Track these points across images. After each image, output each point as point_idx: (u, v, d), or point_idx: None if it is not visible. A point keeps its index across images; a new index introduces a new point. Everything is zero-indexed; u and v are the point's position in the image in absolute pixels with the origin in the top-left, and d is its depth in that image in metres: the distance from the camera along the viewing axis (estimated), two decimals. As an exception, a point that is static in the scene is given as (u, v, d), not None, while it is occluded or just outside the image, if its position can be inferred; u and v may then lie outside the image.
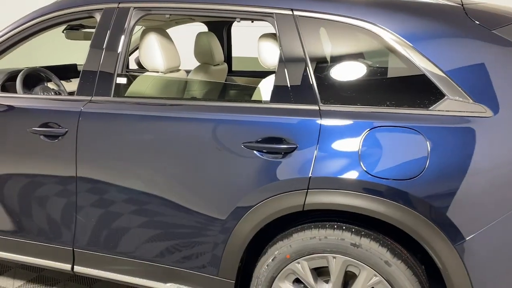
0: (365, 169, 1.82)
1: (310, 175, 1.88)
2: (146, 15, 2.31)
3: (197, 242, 2.14)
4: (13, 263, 3.10)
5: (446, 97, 1.81)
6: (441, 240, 1.77)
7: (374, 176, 1.81)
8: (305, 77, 1.99)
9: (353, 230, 1.92)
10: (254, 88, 2.39)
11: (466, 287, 1.78)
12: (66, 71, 3.16)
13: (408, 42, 1.86)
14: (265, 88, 2.22)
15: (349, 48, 2.04)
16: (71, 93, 3.24)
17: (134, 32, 3.69)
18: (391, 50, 1.90)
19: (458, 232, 1.76)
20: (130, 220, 2.24)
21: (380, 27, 1.91)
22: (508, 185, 1.73)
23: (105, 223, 2.30)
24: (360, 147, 1.84)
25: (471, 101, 1.77)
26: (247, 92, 2.52)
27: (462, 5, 1.95)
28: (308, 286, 2.02)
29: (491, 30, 1.84)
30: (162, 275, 2.26)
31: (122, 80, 2.29)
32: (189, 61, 4.22)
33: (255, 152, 1.97)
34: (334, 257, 1.93)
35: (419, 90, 1.87)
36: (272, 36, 2.35)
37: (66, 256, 2.41)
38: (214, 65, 3.26)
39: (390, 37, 1.89)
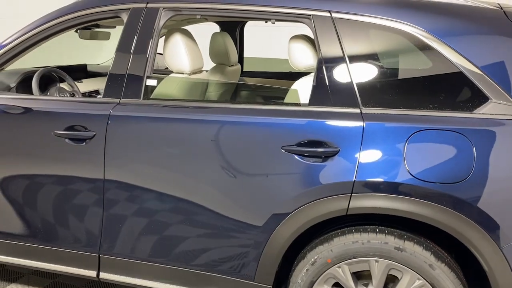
0: (411, 173, 1.82)
1: (354, 179, 1.87)
2: (175, 16, 2.26)
3: (233, 247, 2.11)
4: (26, 270, 3.01)
5: (490, 100, 1.82)
6: (487, 242, 1.78)
7: (420, 179, 1.81)
8: (345, 79, 1.97)
9: (396, 233, 1.92)
10: (283, 89, 2.36)
11: None
12: (75, 72, 3.08)
13: (451, 46, 1.87)
14: (300, 91, 2.19)
15: (388, 50, 2.03)
16: (84, 94, 3.17)
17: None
18: (433, 53, 1.90)
19: (504, 234, 1.77)
20: (160, 225, 2.19)
21: (421, 30, 1.91)
22: None
23: (134, 228, 2.24)
24: (405, 151, 1.83)
25: None
26: (276, 94, 2.49)
27: (501, 8, 1.96)
28: (348, 290, 2.01)
29: None
30: (193, 280, 2.22)
31: (152, 82, 2.24)
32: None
33: (295, 156, 1.95)
34: (376, 261, 1.92)
35: (462, 93, 1.87)
36: (304, 37, 2.33)
37: (91, 262, 2.35)
38: (229, 66, 3.23)
39: (432, 40, 1.89)
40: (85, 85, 3.18)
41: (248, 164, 2.02)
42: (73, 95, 2.96)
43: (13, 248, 2.44)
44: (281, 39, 5.24)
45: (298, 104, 2.13)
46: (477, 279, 1.97)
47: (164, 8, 2.24)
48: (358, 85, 1.95)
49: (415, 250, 1.88)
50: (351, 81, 1.96)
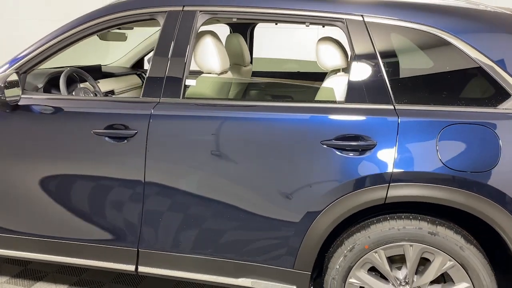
0: (443, 163, 1.99)
1: (392, 170, 2.03)
2: (211, 19, 2.37)
3: (273, 237, 2.23)
4: (50, 268, 3.04)
5: (511, 96, 2.02)
6: None
7: (453, 169, 1.99)
8: (379, 78, 2.13)
9: (428, 219, 2.09)
10: (313, 88, 2.50)
11: None
12: (91, 72, 3.13)
13: (475, 47, 2.05)
14: (333, 89, 2.34)
15: (417, 51, 2.20)
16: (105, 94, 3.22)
17: (153, 33, 3.72)
18: (459, 54, 2.08)
19: None
20: (200, 219, 2.30)
21: (447, 33, 2.09)
22: None
23: (173, 222, 2.33)
24: (438, 143, 2.01)
25: None
26: (306, 92, 2.63)
27: None
28: (383, 274, 2.17)
29: None
30: (233, 270, 2.33)
31: (191, 82, 2.34)
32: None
33: (334, 150, 2.10)
34: (411, 245, 2.09)
35: (486, 90, 2.06)
36: (331, 39, 2.48)
37: (130, 257, 2.42)
38: (244, 66, 3.35)
39: (459, 43, 2.07)
40: (101, 86, 3.23)
41: (289, 159, 2.15)
42: (96, 95, 3.01)
43: (51, 246, 2.49)
44: (281, 40, 5.39)
45: (334, 102, 2.27)
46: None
47: (200, 11, 2.34)
48: (391, 83, 2.12)
49: (447, 234, 2.05)
50: (384, 79, 2.12)
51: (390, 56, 2.17)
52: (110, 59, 3.93)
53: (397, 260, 2.19)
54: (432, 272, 2.10)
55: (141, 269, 2.44)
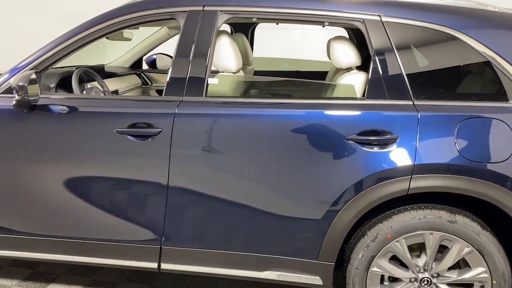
0: (462, 155, 2.11)
1: (414, 162, 2.14)
2: (231, 18, 2.42)
3: (298, 230, 2.30)
4: (60, 270, 3.02)
5: None
6: None
7: (470, 160, 2.11)
8: (398, 76, 2.23)
9: (447, 209, 2.21)
10: (328, 85, 2.59)
11: None
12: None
13: (489, 47, 2.18)
14: (353, 85, 2.43)
15: (432, 49, 2.32)
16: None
17: (152, 33, 3.74)
18: (472, 53, 2.20)
19: None
20: (225, 214, 2.35)
21: (461, 32, 2.21)
22: None
23: (198, 218, 2.38)
24: (456, 136, 2.13)
25: None
26: (321, 89, 2.70)
27: None
28: (403, 261, 2.27)
29: None
30: (257, 264, 2.39)
31: (213, 81, 2.39)
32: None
33: (357, 144, 2.19)
34: (431, 234, 2.20)
35: (499, 87, 2.19)
36: (345, 38, 2.58)
37: (152, 254, 2.45)
38: (248, 65, 3.41)
39: (471, 41, 2.20)
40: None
41: (314, 154, 2.23)
42: (105, 95, 3.01)
43: (70, 246, 2.49)
44: (278, 40, 5.47)
45: (355, 98, 2.36)
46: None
47: (221, 11, 2.39)
48: (409, 80, 2.23)
49: (464, 221, 2.18)
50: (403, 76, 2.23)
51: (406, 54, 2.27)
52: (107, 59, 3.91)
53: (414, 249, 2.31)
54: (451, 258, 2.22)
55: (164, 266, 2.46)
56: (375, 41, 2.27)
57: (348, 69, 2.62)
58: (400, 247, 2.25)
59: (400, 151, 2.16)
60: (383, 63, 2.25)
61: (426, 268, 2.27)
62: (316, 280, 2.35)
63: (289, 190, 2.27)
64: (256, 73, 3.81)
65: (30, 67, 2.47)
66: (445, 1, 2.42)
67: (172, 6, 2.44)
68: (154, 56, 4.06)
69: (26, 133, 2.43)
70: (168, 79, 2.39)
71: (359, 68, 2.62)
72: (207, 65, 2.36)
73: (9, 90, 2.47)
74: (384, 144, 2.18)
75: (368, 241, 2.26)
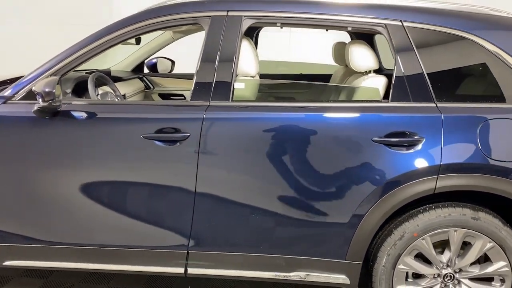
0: (485, 154, 2.21)
1: (440, 162, 2.22)
2: (255, 23, 2.45)
3: (326, 231, 2.35)
4: (75, 278, 2.97)
5: None
6: None
7: (494, 159, 2.21)
8: (421, 79, 2.31)
9: (469, 206, 2.30)
10: (354, 88, 2.64)
11: None
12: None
13: (506, 51, 2.29)
14: (378, 89, 2.51)
15: (452, 53, 2.39)
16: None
17: (155, 37, 3.73)
18: (491, 57, 2.30)
19: None
20: (252, 217, 2.36)
21: (480, 37, 2.31)
22: None
23: (225, 222, 2.39)
24: (478, 136, 2.22)
25: None
26: (348, 92, 2.75)
27: None
28: (428, 258, 2.35)
29: None
30: (285, 265, 2.42)
31: (239, 85, 2.41)
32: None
33: (384, 146, 2.25)
34: (455, 230, 2.29)
35: (515, 88, 2.30)
36: (362, 42, 2.64)
37: (179, 259, 2.44)
38: (256, 69, 3.43)
39: (490, 47, 2.30)
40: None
41: (342, 156, 2.29)
42: (118, 99, 2.98)
43: (92, 253, 2.46)
44: (274, 44, 5.51)
45: (380, 101, 2.43)
46: None
47: (245, 16, 2.41)
48: (431, 83, 2.31)
49: (487, 218, 2.28)
50: (425, 79, 2.31)
51: (427, 57, 2.34)
52: (109, 62, 3.86)
53: (437, 246, 2.39)
54: (474, 253, 2.32)
55: (191, 270, 2.46)
56: (397, 45, 2.34)
57: (366, 73, 2.69)
58: (426, 245, 2.33)
59: (426, 151, 2.24)
60: (406, 66, 2.32)
61: (449, 264, 2.36)
62: (344, 279, 2.40)
63: (318, 192, 2.31)
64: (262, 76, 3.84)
65: (50, 72, 2.43)
66: (462, 7, 2.52)
67: (196, 11, 2.45)
68: (155, 60, 4.04)
69: (49, 140, 2.39)
70: (194, 84, 2.40)
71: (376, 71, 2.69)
72: (233, 70, 2.38)
73: (28, 96, 2.43)
74: (410, 145, 2.25)
75: (395, 240, 2.33)
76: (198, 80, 2.39)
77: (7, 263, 2.51)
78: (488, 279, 2.38)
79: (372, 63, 2.61)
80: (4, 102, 2.43)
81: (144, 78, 3.92)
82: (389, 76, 2.56)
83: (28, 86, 2.44)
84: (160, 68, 4.05)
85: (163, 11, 2.46)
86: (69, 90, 2.65)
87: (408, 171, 2.24)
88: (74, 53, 2.44)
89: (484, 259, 2.39)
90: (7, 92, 2.47)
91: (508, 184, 2.21)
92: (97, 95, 2.81)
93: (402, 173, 2.25)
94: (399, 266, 2.36)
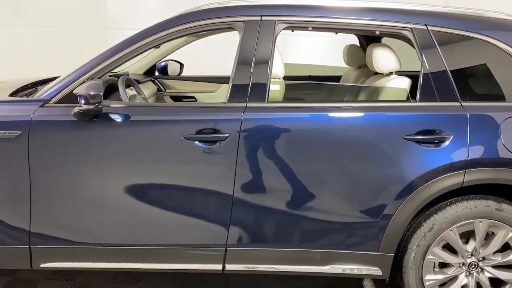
0: (508, 149, 2.37)
1: (467, 157, 2.37)
2: (288, 27, 2.55)
3: (360, 225, 2.47)
4: (103, 279, 3.00)
5: None
6: None
7: (517, 154, 2.38)
8: (446, 79, 2.46)
9: (493, 198, 2.46)
10: (383, 88, 2.78)
11: None
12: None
13: (523, 52, 2.46)
14: (406, 89, 2.65)
15: (473, 56, 2.55)
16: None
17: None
18: (510, 59, 2.47)
19: None
20: (289, 213, 2.46)
21: (499, 40, 2.48)
22: None
23: (263, 218, 2.48)
24: (501, 132, 2.38)
25: None
26: (377, 92, 2.87)
27: None
28: (455, 248, 2.50)
29: None
30: (320, 259, 2.53)
31: (275, 87, 2.51)
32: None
33: (415, 143, 2.39)
34: (480, 221, 2.45)
35: (533, 87, 2.48)
36: (385, 45, 2.78)
37: (217, 256, 2.52)
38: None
39: (509, 49, 2.47)
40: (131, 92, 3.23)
41: (376, 154, 2.41)
42: (145, 101, 3.03)
43: (135, 253, 2.51)
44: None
45: (409, 100, 2.56)
46: None
47: (278, 21, 2.51)
48: (456, 84, 2.46)
49: (509, 209, 2.44)
50: (450, 80, 2.46)
51: (451, 59, 2.49)
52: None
53: (462, 236, 2.54)
54: (497, 243, 2.48)
55: (229, 267, 2.54)
56: (423, 48, 2.49)
57: (388, 74, 2.82)
58: (453, 235, 2.48)
59: (454, 148, 2.39)
60: (432, 68, 2.47)
61: (473, 253, 2.51)
62: (376, 270, 2.52)
63: (353, 189, 2.43)
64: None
65: (88, 76, 2.47)
66: (480, 12, 2.68)
67: (230, 16, 2.53)
68: (165, 63, 4.08)
69: (90, 142, 2.43)
70: (230, 86, 2.48)
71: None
72: (268, 72, 2.48)
73: (65, 99, 2.46)
74: (439, 142, 2.39)
75: (425, 232, 2.47)
76: (235, 83, 2.48)
77: (44, 265, 2.54)
78: (509, 266, 2.55)
79: (396, 65, 2.75)
80: (42, 106, 2.45)
81: (156, 81, 3.97)
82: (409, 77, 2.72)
83: (66, 89, 2.47)
84: (169, 71, 4.10)
85: (201, 15, 2.53)
86: (101, 93, 2.69)
87: (438, 167, 2.38)
88: (110, 57, 2.49)
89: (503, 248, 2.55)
90: (43, 95, 2.50)
91: (531, 176, 2.39)
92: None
93: (433, 168, 2.39)
94: (428, 257, 2.50)
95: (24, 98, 2.58)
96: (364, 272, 2.54)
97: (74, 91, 2.37)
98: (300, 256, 2.53)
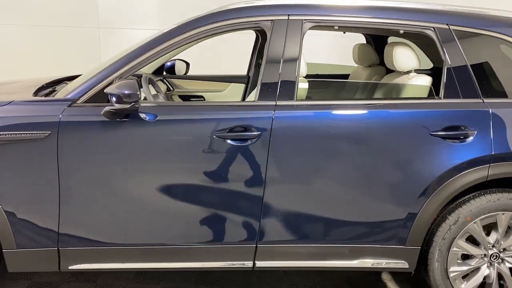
0: (530, 144, 2.47)
1: (492, 152, 2.46)
2: (314, 26, 2.59)
3: (388, 220, 2.53)
4: (123, 280, 2.97)
5: None
6: None
7: (538, 148, 2.48)
8: (468, 77, 2.54)
9: (514, 192, 2.57)
10: (406, 85, 2.84)
11: None
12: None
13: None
14: (430, 86, 2.74)
15: (495, 55, 2.64)
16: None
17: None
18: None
19: None
20: (319, 209, 2.51)
21: (514, 38, 2.58)
22: None
23: (293, 215, 2.51)
24: (523, 128, 2.49)
25: None
26: (402, 89, 2.93)
27: None
28: (478, 240, 2.58)
29: None
30: (348, 254, 2.58)
31: (303, 85, 2.54)
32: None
33: (441, 139, 2.46)
34: (503, 214, 2.54)
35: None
36: (404, 43, 2.85)
37: (248, 253, 2.54)
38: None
39: (527, 46, 2.57)
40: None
41: (403, 150, 2.47)
42: (166, 100, 3.02)
43: (164, 252, 2.51)
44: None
45: (434, 97, 2.63)
46: None
47: (305, 20, 2.55)
48: (478, 81, 2.54)
49: (531, 202, 2.55)
50: (472, 77, 2.54)
51: (473, 57, 2.58)
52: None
53: (484, 228, 2.63)
54: (519, 233, 2.58)
55: (259, 264, 2.57)
56: (446, 46, 2.56)
57: (407, 72, 2.89)
58: (477, 228, 2.56)
59: (478, 143, 2.47)
60: (456, 66, 2.55)
61: (495, 244, 2.60)
62: (403, 264, 2.59)
63: (382, 184, 2.49)
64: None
65: (116, 75, 2.45)
66: (500, 12, 2.77)
67: (259, 15, 2.55)
68: (172, 62, 4.07)
69: (121, 141, 2.40)
70: (259, 84, 2.50)
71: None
72: (296, 71, 2.51)
73: (93, 99, 2.44)
74: (464, 137, 2.47)
75: (450, 225, 2.55)
76: (264, 81, 2.50)
77: (73, 267, 2.51)
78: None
79: (416, 63, 2.82)
80: (70, 105, 2.42)
81: (165, 80, 3.95)
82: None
83: (94, 88, 2.45)
84: (177, 70, 4.09)
85: (229, 14, 2.54)
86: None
87: (464, 161, 2.46)
88: (137, 57, 2.47)
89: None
90: (70, 95, 2.46)
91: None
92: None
93: (459, 163, 2.46)
94: (453, 249, 2.58)
95: (51, 98, 2.54)
96: (391, 266, 2.60)
97: (105, 90, 2.35)
98: (329, 252, 2.57)
